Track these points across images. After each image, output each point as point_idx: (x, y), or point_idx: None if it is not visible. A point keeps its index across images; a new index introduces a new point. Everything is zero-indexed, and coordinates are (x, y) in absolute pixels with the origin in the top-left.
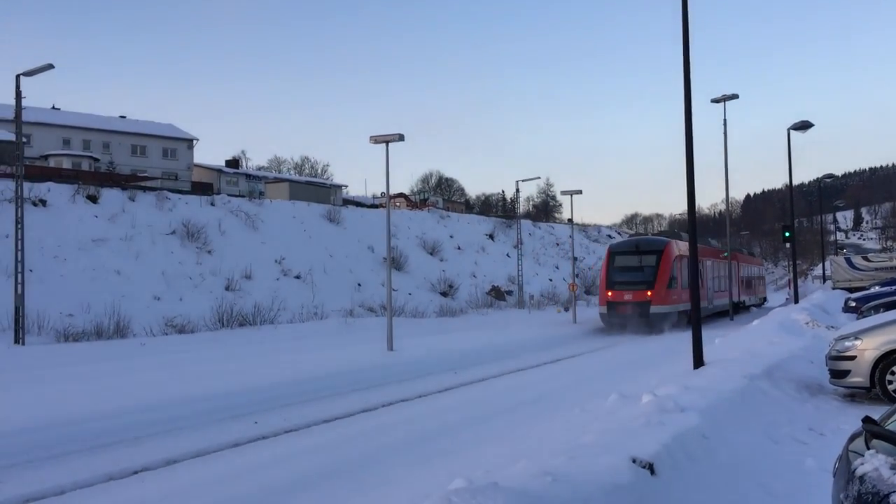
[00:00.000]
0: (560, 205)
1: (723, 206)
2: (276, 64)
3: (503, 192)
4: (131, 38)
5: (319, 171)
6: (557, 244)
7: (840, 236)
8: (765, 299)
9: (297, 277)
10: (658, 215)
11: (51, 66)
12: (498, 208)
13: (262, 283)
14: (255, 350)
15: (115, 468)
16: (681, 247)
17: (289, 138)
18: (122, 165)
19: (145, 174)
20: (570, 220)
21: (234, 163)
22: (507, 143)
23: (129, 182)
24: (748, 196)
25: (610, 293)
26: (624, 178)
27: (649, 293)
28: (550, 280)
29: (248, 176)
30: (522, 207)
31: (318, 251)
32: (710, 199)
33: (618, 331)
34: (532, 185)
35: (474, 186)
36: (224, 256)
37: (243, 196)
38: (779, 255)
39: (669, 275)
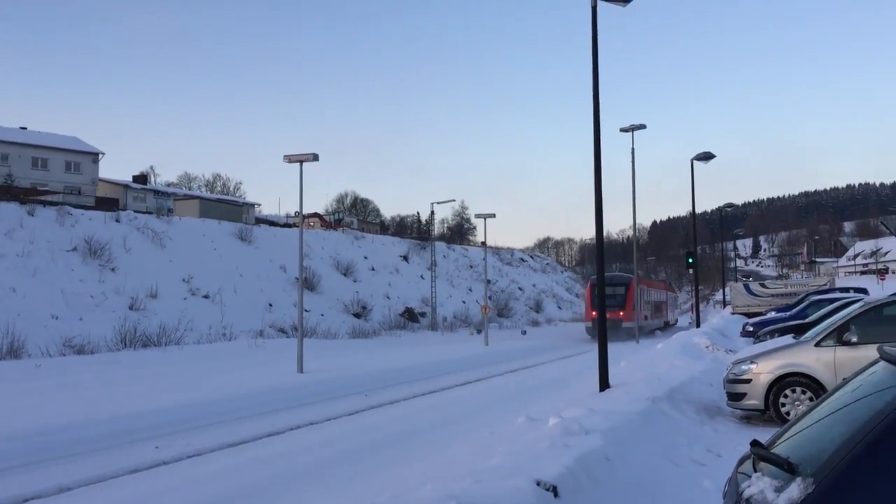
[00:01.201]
0: (474, 227)
1: (631, 232)
2: (189, 79)
3: (418, 213)
4: (34, 47)
5: (232, 188)
6: (471, 266)
7: (740, 263)
8: (675, 322)
9: (206, 297)
10: (569, 239)
11: None
12: (413, 230)
13: (169, 302)
14: (160, 372)
15: (3, 496)
16: (640, 280)
17: (200, 155)
18: (21, 178)
19: (46, 188)
20: (484, 243)
21: (141, 178)
22: (423, 165)
23: (29, 196)
24: (655, 223)
25: (594, 313)
26: (537, 202)
27: (621, 313)
28: (464, 302)
29: (156, 192)
30: (437, 229)
31: (228, 270)
32: (618, 224)
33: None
34: (447, 208)
35: (389, 208)
36: (129, 275)
37: (151, 213)
38: (683, 280)
39: (633, 300)
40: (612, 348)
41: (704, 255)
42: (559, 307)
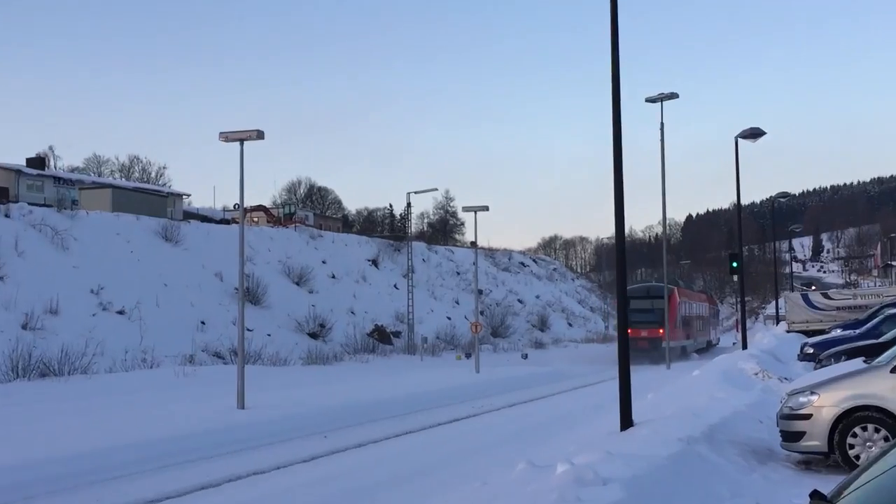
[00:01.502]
0: (462, 224)
1: (660, 229)
2: (99, 40)
3: (391, 206)
4: None
5: (154, 175)
6: (458, 273)
7: (797, 267)
8: (717, 342)
9: (121, 313)
10: (582, 239)
11: None
12: (384, 227)
13: (73, 319)
14: (61, 408)
15: None
16: (682, 292)
17: (113, 133)
18: None
19: None
20: (475, 244)
21: (38, 162)
22: (398, 147)
23: None
24: (690, 218)
25: (629, 330)
26: (541, 193)
27: (661, 331)
28: (449, 318)
29: (57, 179)
30: (415, 226)
31: (149, 279)
32: (644, 219)
33: (634, 362)
34: (427, 199)
35: (355, 199)
36: (21, 284)
37: (50, 205)
38: (725, 289)
39: (676, 316)
40: (637, 376)
41: (752, 258)
42: (570, 324)
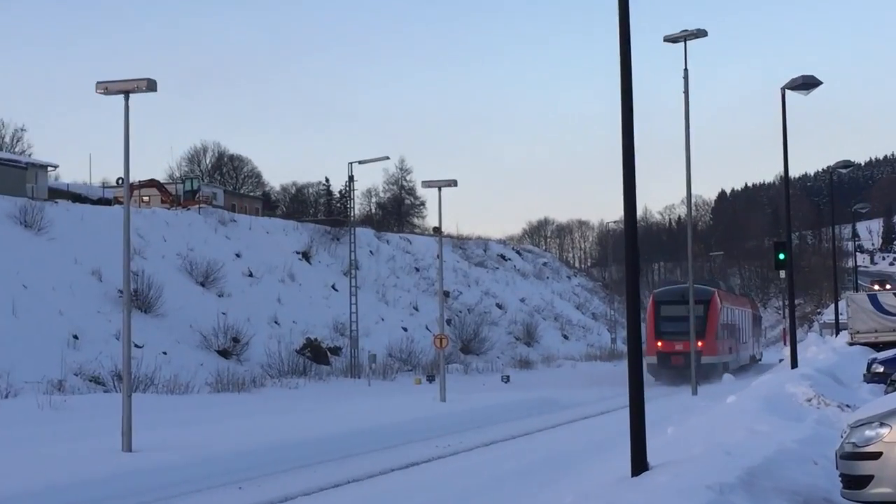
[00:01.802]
0: (422, 204)
1: (682, 210)
2: None
3: (327, 181)
4: None
5: (9, 140)
6: (417, 269)
7: (863, 260)
8: (759, 358)
9: None
10: (582, 224)
11: None
12: (319, 209)
13: None
14: None
15: None
16: (723, 296)
17: None
18: None
19: None
20: (439, 230)
21: None
22: (335, 105)
23: None
24: (723, 195)
25: (660, 343)
26: (528, 165)
27: (701, 343)
28: (405, 330)
29: None
30: (360, 208)
31: (1, 278)
32: (664, 198)
33: (666, 381)
34: (376, 171)
35: (279, 172)
36: None
37: None
38: (769, 290)
39: (717, 324)
40: (654, 405)
41: (804, 249)
42: (565, 336)
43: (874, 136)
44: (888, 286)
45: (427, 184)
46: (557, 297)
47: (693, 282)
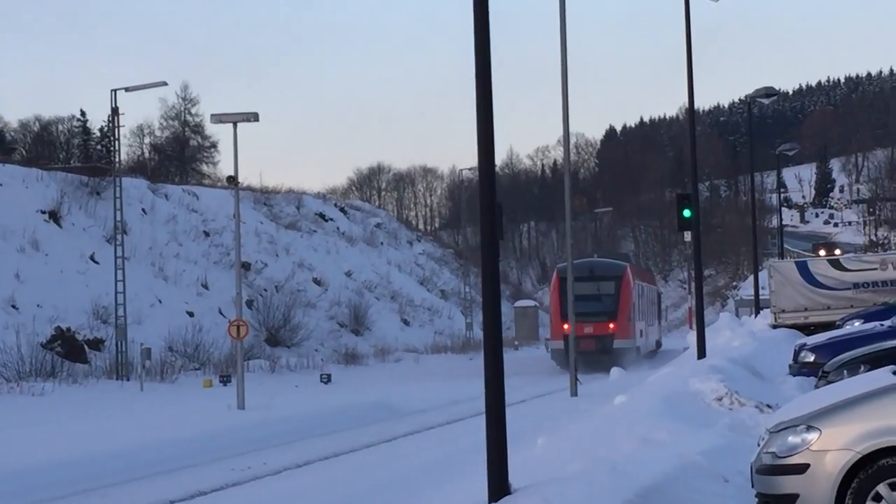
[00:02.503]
0: (213, 147)
1: (558, 154)
2: None
3: (83, 115)
4: None
5: None
6: (207, 233)
7: (791, 217)
8: (659, 346)
9: None
10: (428, 172)
11: None
12: (71, 152)
13: None
14: None
15: None
16: (635, 271)
17: None
18: None
19: None
20: (234, 180)
21: None
22: (94, 13)
23: None
24: (612, 133)
25: (565, 325)
26: (355, 96)
27: (612, 325)
28: (191, 315)
29: None
30: (128, 151)
31: None
32: (535, 138)
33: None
34: (149, 101)
35: (16, 103)
36: None
37: None
38: (671, 256)
39: (630, 304)
40: (526, 408)
41: (716, 203)
42: (405, 321)
43: (807, 57)
44: (838, 251)
45: (219, 118)
46: (395, 270)
47: (599, 256)
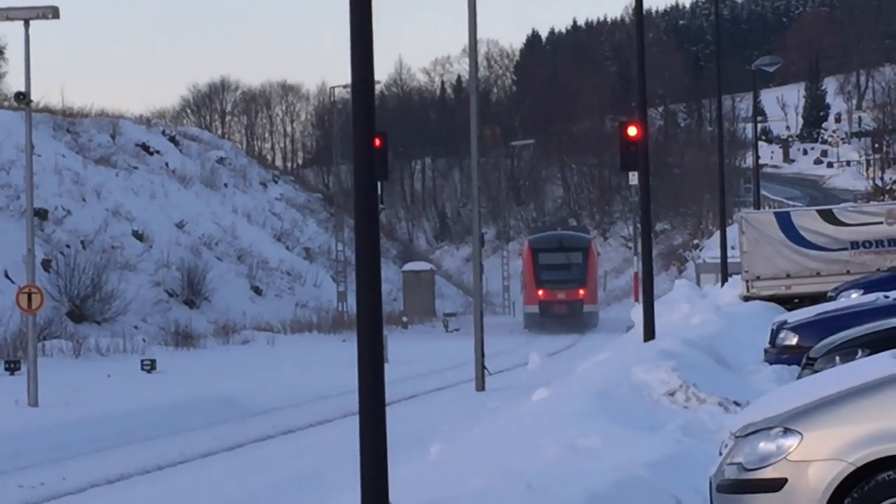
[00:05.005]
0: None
1: (464, 68)
2: None
3: None
4: None
5: None
6: None
7: (771, 154)
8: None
9: None
10: (288, 89)
11: None
12: None
13: None
14: None
15: None
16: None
17: None
18: None
19: None
20: (25, 97)
21: None
22: None
23: None
24: (536, 40)
25: (541, 292)
26: None
27: (581, 291)
28: None
29: None
30: None
31: None
32: (432, 50)
33: (541, 330)
34: None
35: None
36: None
37: None
38: (612, 205)
39: (596, 272)
40: (425, 402)
41: (672, 135)
42: (256, 288)
43: None
44: (805, 203)
45: (5, 14)
46: (244, 221)
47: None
